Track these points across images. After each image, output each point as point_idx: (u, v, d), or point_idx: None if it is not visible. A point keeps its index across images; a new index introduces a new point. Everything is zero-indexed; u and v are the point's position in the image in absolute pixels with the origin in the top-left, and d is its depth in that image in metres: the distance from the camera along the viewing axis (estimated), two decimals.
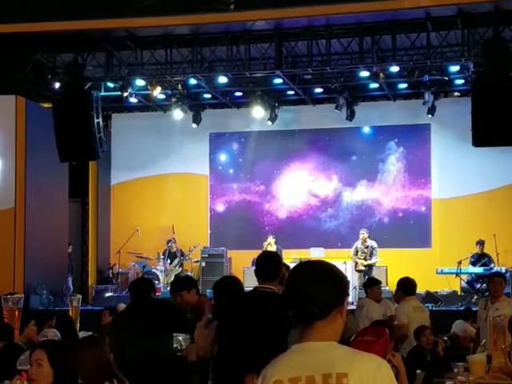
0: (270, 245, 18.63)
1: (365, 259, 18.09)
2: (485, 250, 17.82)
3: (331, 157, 20.73)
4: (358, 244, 18.30)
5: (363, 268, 18.03)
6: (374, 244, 18.25)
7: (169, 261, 19.36)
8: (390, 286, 17.63)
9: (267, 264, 6.33)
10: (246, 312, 6.05)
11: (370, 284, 11.56)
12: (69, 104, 17.18)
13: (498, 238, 17.68)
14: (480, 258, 17.70)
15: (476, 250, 17.84)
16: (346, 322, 3.05)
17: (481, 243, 17.77)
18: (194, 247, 19.45)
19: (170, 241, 19.57)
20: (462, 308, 15.41)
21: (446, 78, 18.06)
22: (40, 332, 9.40)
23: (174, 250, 19.45)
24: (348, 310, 3.10)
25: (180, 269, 19.28)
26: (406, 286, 10.39)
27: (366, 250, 18.16)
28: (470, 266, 17.72)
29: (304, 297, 2.94)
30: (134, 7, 15.77)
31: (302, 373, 2.86)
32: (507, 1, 15.00)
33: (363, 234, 18.37)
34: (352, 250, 18.30)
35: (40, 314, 11.53)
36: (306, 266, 3.09)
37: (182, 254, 19.45)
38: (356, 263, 18.15)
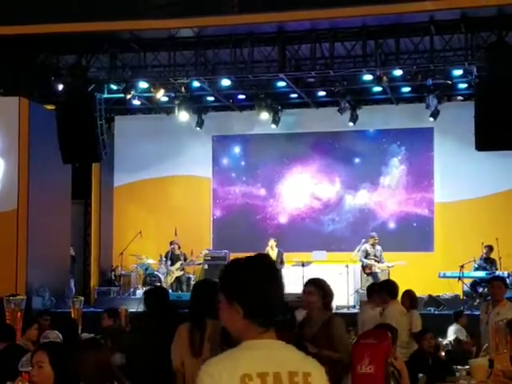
0: (271, 248, 18.62)
1: (377, 263, 18.07)
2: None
3: (334, 160, 20.74)
4: (367, 247, 18.21)
5: (378, 271, 18.00)
6: (381, 248, 18.25)
7: (170, 262, 19.37)
8: None
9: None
10: None
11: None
12: (72, 106, 17.21)
13: (500, 242, 17.67)
14: (486, 262, 17.68)
15: (482, 253, 17.79)
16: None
17: (488, 247, 17.72)
18: (201, 254, 19.46)
19: (172, 242, 19.58)
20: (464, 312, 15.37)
21: (450, 82, 18.06)
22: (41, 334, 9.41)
23: (178, 252, 19.46)
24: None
25: (182, 272, 19.29)
26: (392, 288, 10.25)
27: (377, 254, 18.15)
28: (473, 270, 17.70)
29: (273, 300, 2.99)
30: (138, 9, 15.80)
31: (270, 368, 2.89)
32: (511, 5, 15.00)
33: (376, 238, 18.27)
34: (360, 253, 18.19)
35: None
36: (263, 264, 3.09)
37: (185, 258, 19.45)
38: (367, 266, 18.04)
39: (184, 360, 6.12)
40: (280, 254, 18.57)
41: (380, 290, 10.37)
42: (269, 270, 3.06)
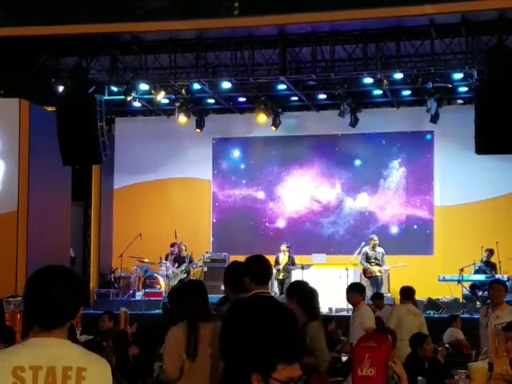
0: (284, 252, 18.61)
1: (378, 265, 18.07)
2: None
3: (334, 163, 20.75)
4: (367, 250, 18.23)
5: (379, 274, 18.01)
6: (383, 250, 18.25)
7: (176, 264, 19.38)
8: (392, 292, 17.64)
9: (267, 267, 6.29)
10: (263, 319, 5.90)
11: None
12: (72, 108, 17.19)
13: (500, 245, 17.67)
14: (486, 266, 17.70)
15: (483, 256, 17.81)
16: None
17: (489, 251, 17.74)
18: (203, 257, 19.46)
19: (174, 244, 19.58)
20: (463, 315, 15.40)
21: (450, 86, 18.08)
22: None
23: (184, 254, 19.46)
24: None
25: (185, 275, 19.28)
26: (362, 289, 10.88)
27: (378, 256, 18.15)
28: (473, 274, 17.71)
29: (54, 304, 3.29)
30: (139, 11, 15.81)
31: (43, 362, 3.22)
32: (511, 9, 15.01)
33: (375, 240, 18.30)
34: (360, 256, 18.23)
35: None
36: (57, 273, 3.38)
37: (191, 261, 19.45)
38: (367, 269, 18.07)
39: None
40: (291, 258, 18.57)
41: (350, 292, 10.56)
42: (60, 278, 3.35)
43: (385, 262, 18.19)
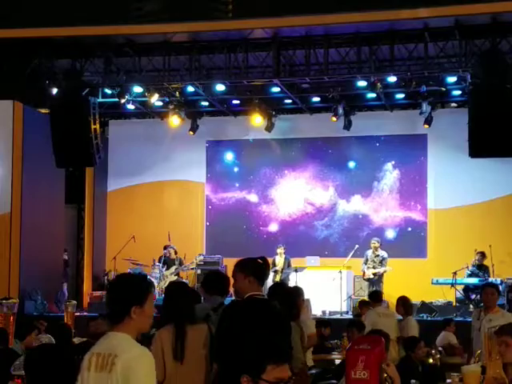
0: (280, 255, 18.60)
1: (374, 268, 18.06)
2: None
3: (328, 166, 20.74)
4: (369, 253, 18.24)
5: (371, 276, 18.00)
6: (385, 254, 18.17)
7: (165, 267, 19.34)
8: (386, 296, 17.63)
9: (269, 269, 6.31)
10: (262, 320, 5.89)
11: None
12: (66, 110, 17.20)
13: (493, 248, 17.68)
14: (479, 269, 17.72)
15: (475, 259, 17.83)
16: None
17: (481, 254, 17.76)
18: (196, 260, 19.42)
19: (167, 247, 19.55)
20: (456, 318, 15.41)
21: (443, 89, 18.11)
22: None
23: (173, 257, 19.42)
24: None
25: (176, 277, 19.25)
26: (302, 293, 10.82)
27: (375, 259, 18.11)
28: (466, 277, 17.73)
29: (107, 304, 4.38)
30: (134, 14, 15.84)
31: (100, 350, 4.23)
32: (504, 13, 15.07)
33: (375, 243, 18.28)
34: (363, 260, 18.27)
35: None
36: (116, 276, 4.68)
37: (181, 263, 19.41)
38: (364, 272, 18.13)
39: (166, 365, 6.05)
40: (287, 260, 18.57)
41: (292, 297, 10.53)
42: (116, 283, 4.48)
43: (385, 265, 18.10)
